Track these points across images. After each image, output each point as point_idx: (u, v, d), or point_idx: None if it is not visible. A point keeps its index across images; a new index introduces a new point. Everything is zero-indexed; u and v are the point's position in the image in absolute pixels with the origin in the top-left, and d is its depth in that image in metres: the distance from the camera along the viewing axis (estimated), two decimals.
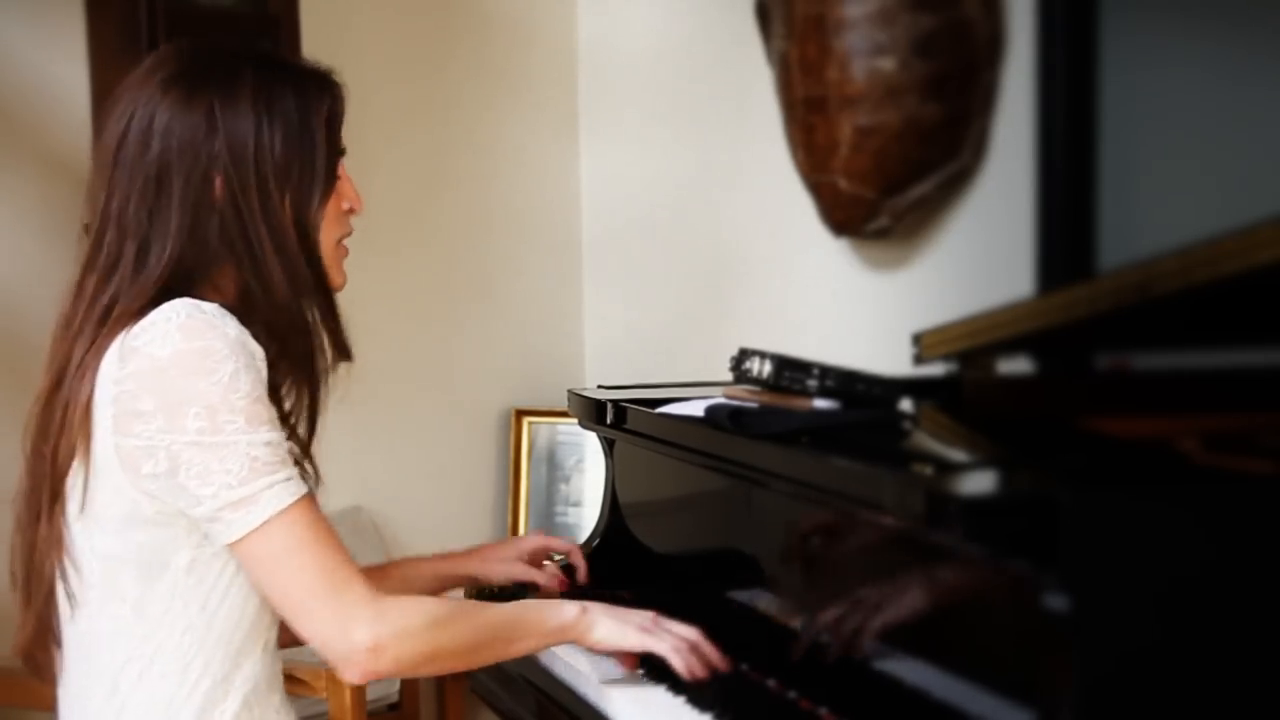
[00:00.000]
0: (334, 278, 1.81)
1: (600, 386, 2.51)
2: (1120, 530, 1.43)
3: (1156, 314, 1.92)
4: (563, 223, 3.63)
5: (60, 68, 2.95)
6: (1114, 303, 1.93)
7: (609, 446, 2.40)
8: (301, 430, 1.79)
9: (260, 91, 1.73)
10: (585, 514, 3.45)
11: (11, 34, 2.92)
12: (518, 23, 3.54)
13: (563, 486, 3.51)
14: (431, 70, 3.44)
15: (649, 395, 2.28)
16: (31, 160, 2.92)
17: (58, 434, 1.70)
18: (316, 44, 2.93)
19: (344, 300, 1.82)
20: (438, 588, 2.09)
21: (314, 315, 1.77)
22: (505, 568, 2.15)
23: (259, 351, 1.69)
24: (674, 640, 1.85)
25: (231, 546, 1.68)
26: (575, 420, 2.47)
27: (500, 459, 3.57)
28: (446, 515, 3.50)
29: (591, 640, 1.85)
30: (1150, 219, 2.40)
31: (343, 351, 1.81)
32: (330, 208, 1.78)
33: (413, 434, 3.44)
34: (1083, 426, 1.95)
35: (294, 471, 1.70)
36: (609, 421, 2.30)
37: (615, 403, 2.29)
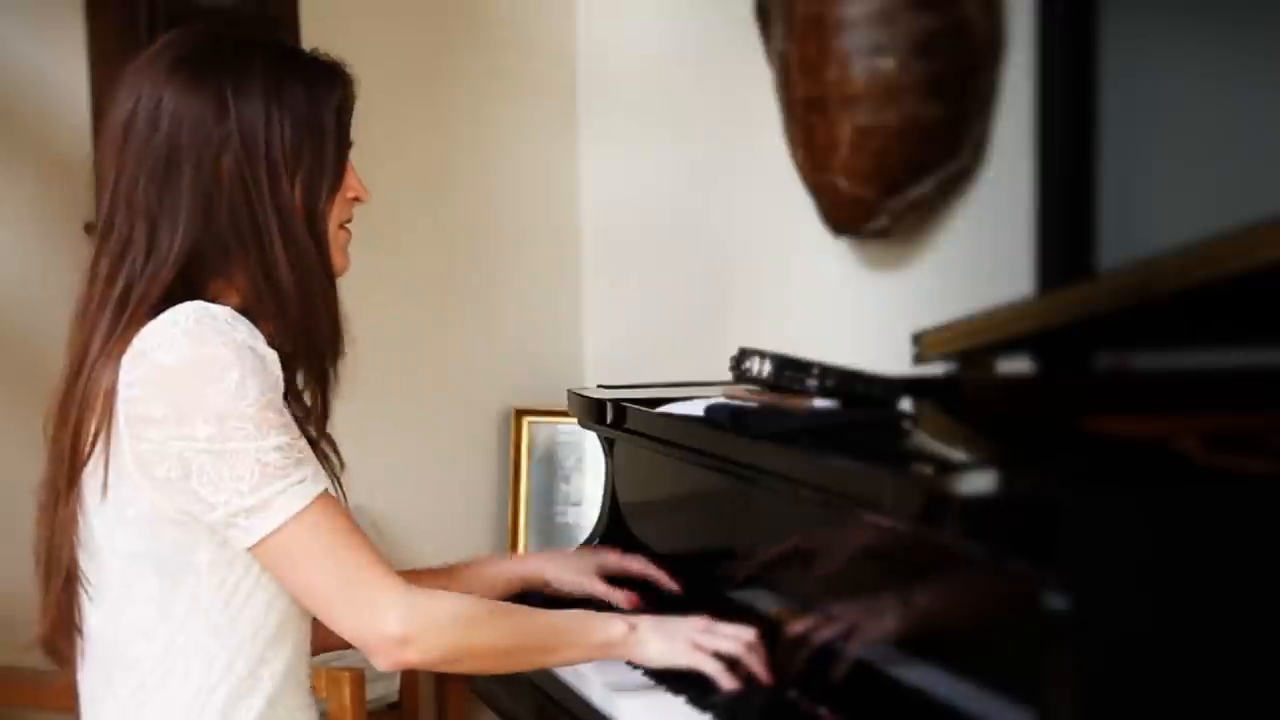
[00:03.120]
0: (336, 261, 1.80)
1: (600, 386, 2.51)
2: (1120, 530, 1.42)
3: (1156, 314, 1.92)
4: (563, 223, 3.63)
5: (60, 68, 2.95)
6: (1113, 303, 1.93)
7: (609, 446, 2.40)
8: (314, 421, 1.79)
9: (271, 79, 1.72)
10: (585, 514, 3.45)
11: (11, 34, 2.91)
12: (517, 24, 3.54)
13: (563, 486, 3.51)
14: (431, 71, 3.44)
15: (649, 395, 2.28)
16: (31, 160, 2.92)
17: (76, 422, 1.69)
18: (316, 44, 2.91)
19: (344, 299, 1.82)
20: (505, 589, 2.05)
21: (320, 303, 1.76)
22: (579, 579, 2.10)
23: (270, 355, 1.68)
24: (726, 649, 1.83)
25: (250, 550, 1.68)
26: (575, 420, 2.47)
27: (500, 458, 3.56)
28: (446, 515, 3.49)
29: (641, 658, 1.83)
30: (1150, 219, 2.40)
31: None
32: (336, 197, 1.77)
33: (412, 434, 3.44)
34: (1083, 426, 1.95)
35: (309, 472, 1.69)
36: (609, 421, 2.30)
37: (615, 402, 2.29)
